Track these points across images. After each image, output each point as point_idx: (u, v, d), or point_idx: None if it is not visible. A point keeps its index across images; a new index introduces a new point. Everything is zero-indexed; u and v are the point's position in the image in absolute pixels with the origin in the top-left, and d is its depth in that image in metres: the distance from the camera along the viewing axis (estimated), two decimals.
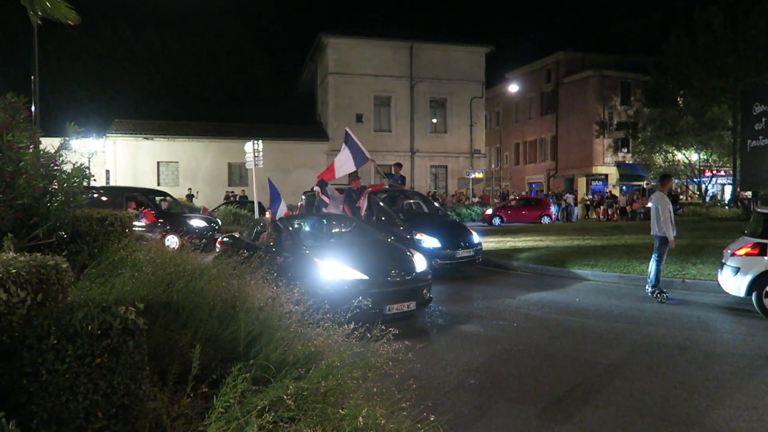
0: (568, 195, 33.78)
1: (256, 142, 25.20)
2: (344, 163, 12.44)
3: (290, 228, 8.89)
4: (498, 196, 38.73)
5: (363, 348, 3.82)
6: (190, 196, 28.85)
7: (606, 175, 41.72)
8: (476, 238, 12.18)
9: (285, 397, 3.01)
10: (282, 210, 8.92)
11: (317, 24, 72.75)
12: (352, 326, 4.14)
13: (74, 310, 2.68)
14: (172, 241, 15.68)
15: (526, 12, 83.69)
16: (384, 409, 3.17)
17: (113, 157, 31.42)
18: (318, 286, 6.97)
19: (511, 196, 34.61)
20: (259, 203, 18.06)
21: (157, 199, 17.84)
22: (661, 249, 9.07)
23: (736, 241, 8.60)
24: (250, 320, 4.19)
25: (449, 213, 19.37)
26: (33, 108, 11.98)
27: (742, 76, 25.49)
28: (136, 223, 15.70)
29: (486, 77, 37.36)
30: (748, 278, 7.86)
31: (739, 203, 25.07)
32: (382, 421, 3.10)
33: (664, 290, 9.03)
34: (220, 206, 26.21)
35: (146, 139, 32.20)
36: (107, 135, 31.46)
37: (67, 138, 5.29)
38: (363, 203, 11.51)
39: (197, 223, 17.13)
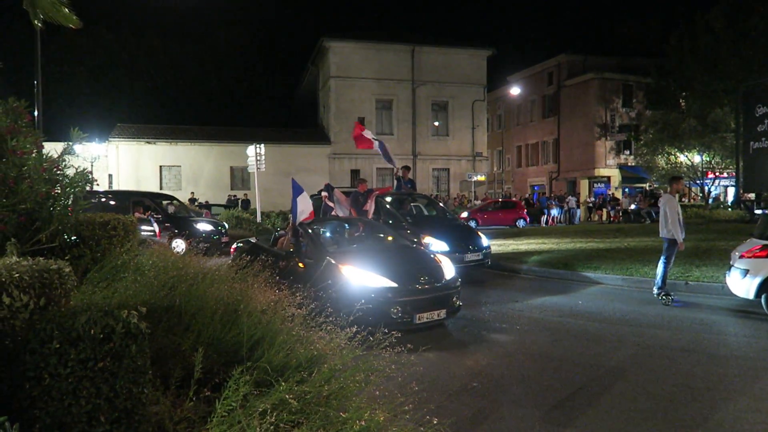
0: (570, 197, 33.75)
1: (258, 145, 25.35)
2: (376, 149, 13.22)
3: (311, 233, 8.48)
4: (500, 198, 38.65)
5: (365, 351, 3.81)
6: (192, 200, 28.90)
7: (608, 178, 41.70)
8: (485, 241, 12.07)
9: (288, 398, 3.01)
10: (303, 214, 8.74)
11: (319, 28, 72.96)
12: (354, 329, 4.14)
13: (77, 314, 2.68)
14: (179, 244, 15.69)
15: (528, 15, 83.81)
16: (387, 413, 3.17)
17: (116, 162, 31.51)
18: (343, 294, 6.72)
19: (484, 200, 34.39)
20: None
21: (164, 202, 17.87)
22: (668, 251, 9.02)
23: (745, 243, 8.55)
24: (252, 324, 4.19)
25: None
26: (36, 113, 12.01)
27: (744, 78, 25.49)
28: (145, 227, 15.81)
29: (488, 80, 37.39)
30: (758, 280, 7.81)
31: (742, 205, 25.02)
32: (385, 424, 3.10)
33: (670, 293, 8.99)
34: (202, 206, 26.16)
35: (149, 143, 32.29)
36: (110, 139, 31.56)
37: (70, 143, 5.30)
38: (370, 206, 11.39)
39: (204, 226, 17.13)
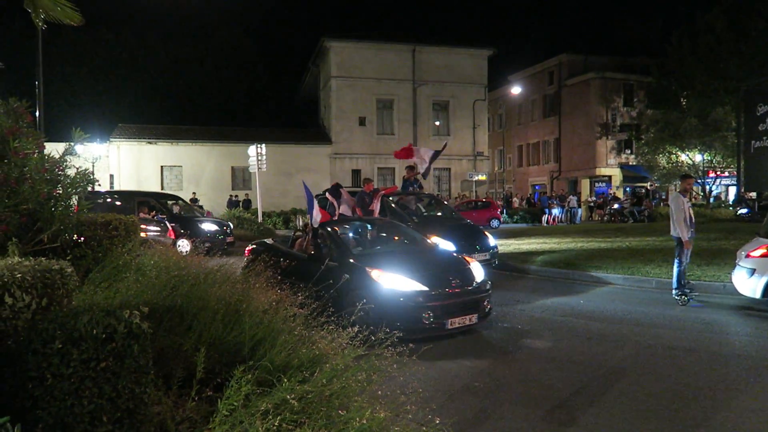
0: (571, 197, 33.73)
1: (259, 145, 25.39)
2: (421, 159, 13.11)
3: (333, 234, 8.13)
4: (501, 198, 38.66)
5: (367, 351, 3.82)
6: (194, 200, 28.92)
7: (609, 177, 41.70)
8: (492, 241, 12.00)
9: (289, 398, 3.01)
10: (318, 216, 8.44)
11: (320, 28, 72.98)
12: (356, 329, 4.14)
13: (79, 314, 2.68)
14: (184, 245, 15.72)
15: (529, 14, 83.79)
16: (389, 412, 3.17)
17: (117, 162, 31.55)
18: (372, 298, 6.42)
19: (458, 199, 34.22)
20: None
21: (169, 202, 17.91)
22: (678, 250, 8.94)
23: (751, 242, 8.52)
24: (254, 323, 4.19)
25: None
26: (37, 113, 12.02)
27: (745, 77, 25.49)
28: (151, 227, 15.87)
29: (488, 80, 37.38)
30: (765, 280, 7.78)
31: (743, 204, 25.00)
32: (387, 424, 3.10)
33: (686, 293, 8.84)
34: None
35: (150, 143, 32.31)
36: (111, 140, 31.59)
37: (72, 143, 5.31)
38: (376, 206, 11.28)
39: (209, 226, 17.15)
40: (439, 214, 13.89)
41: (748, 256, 8.13)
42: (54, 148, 5.13)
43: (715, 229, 18.18)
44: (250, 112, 45.24)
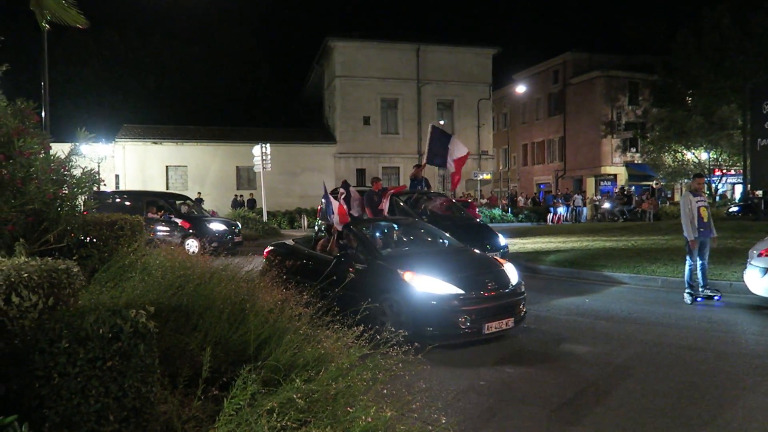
0: (576, 196, 33.66)
1: (263, 145, 25.43)
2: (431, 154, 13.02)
3: (361, 235, 7.78)
4: (506, 197, 38.62)
5: (372, 350, 3.82)
6: (199, 200, 28.98)
7: (615, 176, 41.56)
8: (502, 240, 11.87)
9: (295, 397, 3.02)
10: (336, 216, 8.09)
11: (324, 28, 73.01)
12: (361, 328, 4.14)
13: (85, 313, 2.69)
14: (192, 245, 15.80)
15: (533, 13, 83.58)
16: (394, 411, 3.17)
17: (122, 162, 31.63)
18: (404, 302, 6.29)
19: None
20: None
21: (177, 202, 17.98)
22: (688, 249, 8.89)
23: (763, 240, 8.46)
24: (259, 323, 4.20)
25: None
26: (43, 114, 12.07)
27: (750, 75, 25.38)
28: (160, 227, 15.97)
29: (493, 79, 37.33)
30: None
31: (750, 202, 24.89)
32: (393, 423, 3.10)
33: (693, 292, 8.81)
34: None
35: (155, 143, 32.39)
36: (116, 140, 31.68)
37: (77, 143, 5.33)
38: (385, 205, 11.18)
39: (217, 226, 17.18)
40: (449, 213, 13.77)
41: (761, 254, 8.06)
42: (60, 149, 5.15)
43: (721, 228, 18.09)
44: (255, 111, 45.29)
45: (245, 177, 33.44)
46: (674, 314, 8.08)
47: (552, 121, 47.11)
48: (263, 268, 8.10)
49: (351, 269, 7.08)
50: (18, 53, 32.46)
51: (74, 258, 4.85)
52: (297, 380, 3.19)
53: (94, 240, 5.53)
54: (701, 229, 8.78)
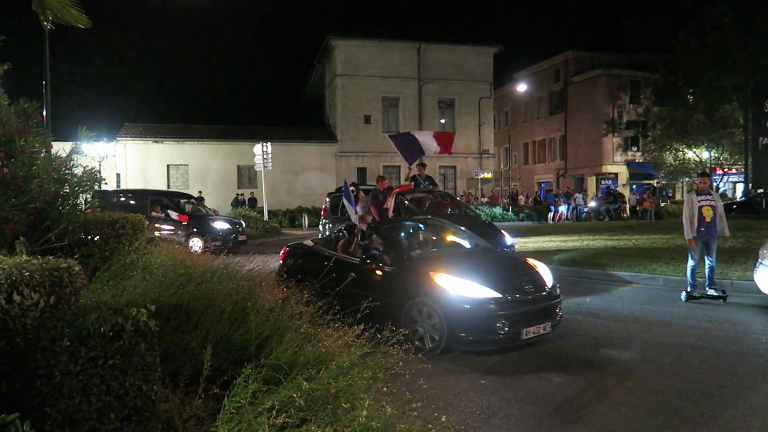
0: (577, 194, 33.64)
1: (264, 144, 25.45)
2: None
3: (388, 235, 7.45)
4: (507, 196, 38.61)
5: (373, 349, 3.82)
6: (200, 199, 28.98)
7: (616, 174, 41.53)
8: (508, 239, 11.77)
9: (295, 396, 3.02)
10: (355, 215, 7.81)
11: (325, 26, 72.97)
12: (362, 327, 4.15)
13: (87, 312, 2.70)
14: (196, 243, 15.85)
15: (535, 11, 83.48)
16: (395, 410, 3.18)
17: (124, 161, 31.65)
18: (437, 306, 6.02)
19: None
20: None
21: (182, 201, 18.03)
22: (690, 249, 8.83)
23: None
24: (260, 322, 4.21)
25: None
26: (44, 113, 12.08)
27: (752, 73, 25.34)
28: (164, 226, 16.03)
29: (494, 77, 37.28)
30: None
31: (745, 201, 24.86)
32: (393, 421, 3.11)
33: (689, 289, 8.81)
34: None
35: (156, 142, 32.41)
36: (118, 139, 31.70)
37: (79, 142, 5.35)
38: (390, 204, 11.07)
39: (221, 225, 17.19)
40: (455, 211, 13.70)
41: None
42: (61, 147, 5.17)
43: None
44: (256, 110, 45.30)
45: (246, 176, 33.45)
46: (675, 313, 8.08)
47: (553, 120, 47.07)
48: (279, 269, 7.85)
49: (378, 272, 6.82)
50: (20, 52, 32.49)
51: (76, 257, 4.86)
52: (298, 379, 3.20)
53: (96, 239, 5.55)
54: (702, 229, 8.66)
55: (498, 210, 30.48)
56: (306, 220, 28.85)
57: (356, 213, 7.80)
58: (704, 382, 5.21)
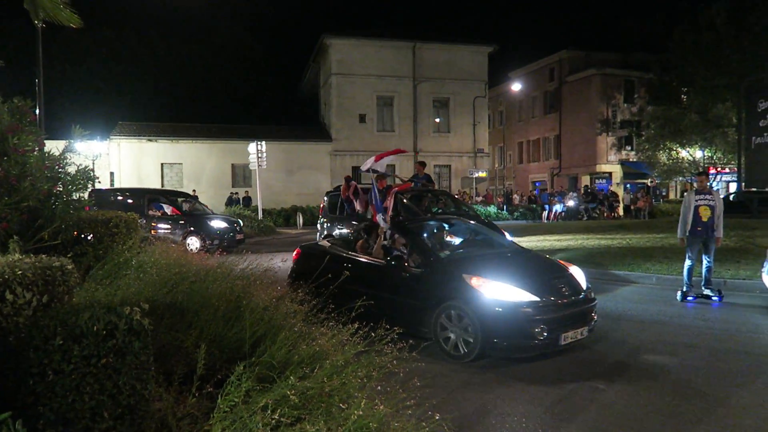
0: (572, 193, 33.71)
1: (259, 143, 25.40)
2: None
3: (415, 235, 7.16)
4: (502, 195, 38.67)
5: (367, 347, 3.82)
6: (194, 197, 28.90)
7: (610, 174, 41.65)
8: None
9: (290, 394, 3.02)
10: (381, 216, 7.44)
11: (320, 25, 72.80)
12: (356, 326, 4.15)
13: (80, 311, 2.69)
14: (194, 242, 15.82)
15: (529, 11, 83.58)
16: (389, 408, 3.18)
17: (117, 159, 31.54)
18: (471, 311, 5.76)
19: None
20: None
21: (179, 200, 18.00)
22: (687, 248, 8.82)
23: None
24: (254, 320, 4.20)
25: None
26: (37, 111, 12.01)
27: (746, 73, 25.42)
28: (161, 224, 16.00)
29: (489, 76, 37.32)
30: None
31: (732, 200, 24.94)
32: (387, 420, 3.11)
33: (685, 290, 8.81)
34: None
35: (150, 141, 32.30)
36: (111, 137, 31.57)
37: (72, 140, 5.33)
38: (390, 203, 10.96)
39: (218, 224, 17.15)
40: (454, 210, 13.67)
41: None
42: (54, 146, 5.15)
43: None
44: (251, 109, 45.18)
45: (241, 175, 33.39)
46: (668, 312, 8.12)
47: (548, 119, 47.17)
48: (292, 271, 7.62)
49: (404, 274, 6.56)
50: (13, 49, 32.34)
51: (69, 255, 4.84)
52: (292, 377, 3.20)
53: (90, 237, 5.53)
54: (699, 229, 8.61)
55: (492, 209, 30.53)
56: (301, 220, 28.80)
57: (384, 213, 7.45)
58: (696, 380, 5.24)
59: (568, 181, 43.28)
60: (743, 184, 22.37)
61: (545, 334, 5.61)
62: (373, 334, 3.97)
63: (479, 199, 33.92)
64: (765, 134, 18.31)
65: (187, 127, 34.71)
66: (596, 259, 12.17)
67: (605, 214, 30.92)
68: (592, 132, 41.61)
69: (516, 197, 37.27)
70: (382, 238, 7.38)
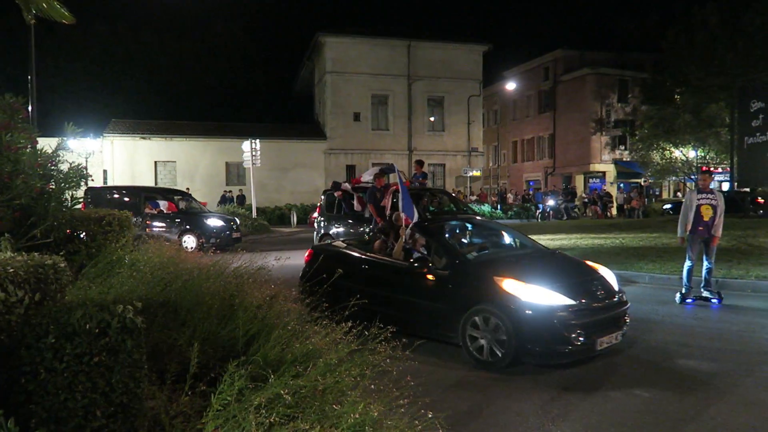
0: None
1: (253, 141, 25.34)
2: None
3: (438, 235, 6.96)
4: (496, 194, 38.74)
5: (361, 346, 3.83)
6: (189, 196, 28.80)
7: (604, 173, 41.80)
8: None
9: (283, 393, 3.02)
10: (403, 216, 7.11)
11: (315, 23, 72.68)
12: (350, 324, 4.15)
13: (72, 309, 2.68)
14: (190, 240, 15.80)
15: (524, 10, 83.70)
16: (382, 407, 3.18)
17: (111, 157, 31.41)
18: (503, 314, 5.50)
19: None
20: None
21: (176, 198, 17.97)
22: (688, 247, 8.74)
23: None
24: (248, 319, 4.20)
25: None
26: (30, 108, 11.95)
27: (739, 73, 25.53)
28: (156, 222, 15.97)
29: (484, 75, 37.39)
30: None
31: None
32: (380, 418, 3.11)
33: (685, 291, 8.70)
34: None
35: (144, 138, 32.17)
36: (105, 135, 31.43)
37: (65, 138, 5.30)
38: (388, 202, 10.86)
39: (215, 222, 17.11)
40: (453, 209, 13.64)
41: None
42: (47, 143, 5.12)
43: None
44: (245, 107, 45.17)
45: (235, 173, 33.31)
46: (661, 311, 8.15)
47: (542, 118, 47.27)
48: (304, 273, 7.35)
49: (429, 276, 6.31)
50: (5, 46, 32.15)
51: (62, 253, 4.81)
52: (285, 376, 3.20)
53: (83, 235, 5.51)
54: (700, 228, 8.48)
55: (486, 208, 30.56)
56: (295, 218, 28.75)
57: (413, 212, 7.12)
58: (689, 379, 5.26)
59: (562, 181, 43.41)
60: (736, 183, 22.50)
61: (581, 339, 5.40)
62: (366, 333, 3.98)
63: (473, 198, 33.95)
64: (757, 134, 18.41)
65: (181, 124, 34.61)
66: (590, 258, 12.15)
67: (599, 214, 31.00)
68: (586, 131, 41.74)
69: (510, 196, 37.32)
70: (404, 239, 7.10)
